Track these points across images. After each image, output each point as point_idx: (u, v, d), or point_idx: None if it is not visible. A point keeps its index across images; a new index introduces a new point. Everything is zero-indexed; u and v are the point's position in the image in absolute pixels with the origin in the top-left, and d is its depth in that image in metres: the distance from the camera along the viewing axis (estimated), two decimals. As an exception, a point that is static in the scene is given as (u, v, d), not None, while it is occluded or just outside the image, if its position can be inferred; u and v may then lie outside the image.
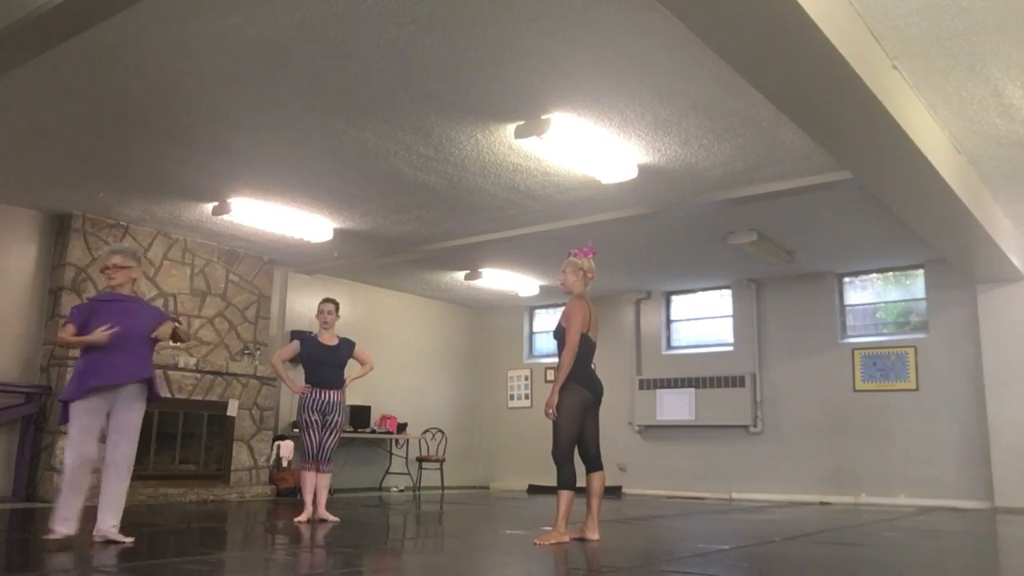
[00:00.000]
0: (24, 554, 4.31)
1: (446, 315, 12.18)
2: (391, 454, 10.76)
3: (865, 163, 5.56)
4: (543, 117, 5.44)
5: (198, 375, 8.43)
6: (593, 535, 4.73)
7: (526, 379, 12.15)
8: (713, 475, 10.22)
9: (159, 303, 8.42)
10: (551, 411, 4.66)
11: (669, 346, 11.19)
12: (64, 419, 4.39)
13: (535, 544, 4.54)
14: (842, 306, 9.96)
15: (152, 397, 4.53)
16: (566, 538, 4.59)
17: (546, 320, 12.24)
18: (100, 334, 4.31)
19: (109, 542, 4.28)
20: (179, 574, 3.43)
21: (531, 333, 12.45)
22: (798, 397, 9.88)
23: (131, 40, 4.51)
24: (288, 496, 8.70)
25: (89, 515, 4.32)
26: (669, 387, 10.64)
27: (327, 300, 6.34)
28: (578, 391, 4.72)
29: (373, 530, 6.00)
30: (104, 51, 4.63)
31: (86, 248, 7.92)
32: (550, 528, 4.73)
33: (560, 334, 4.83)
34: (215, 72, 4.90)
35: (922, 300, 9.47)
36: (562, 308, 5.01)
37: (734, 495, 10.02)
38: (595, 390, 4.83)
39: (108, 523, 4.35)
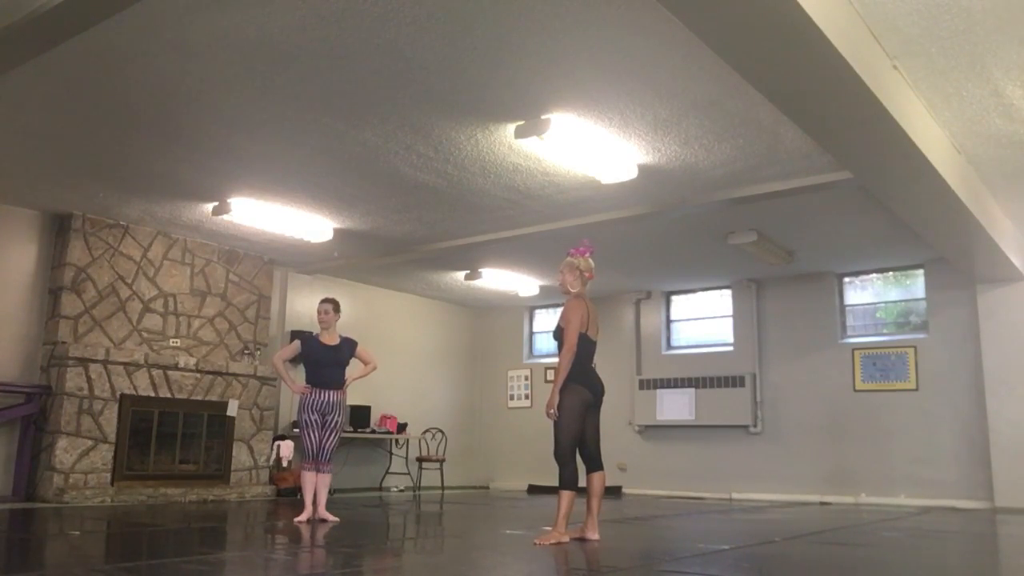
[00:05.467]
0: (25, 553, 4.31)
1: (446, 315, 12.18)
2: (391, 454, 10.76)
3: (865, 163, 5.56)
4: (543, 117, 5.44)
5: (198, 375, 8.43)
6: (593, 535, 4.73)
7: (526, 379, 12.15)
8: (713, 475, 10.22)
9: (159, 303, 8.44)
10: (552, 411, 4.67)
11: (669, 346, 11.19)
12: None
13: (535, 544, 4.54)
14: (842, 306, 9.96)
15: None
16: (566, 538, 4.59)
17: (546, 320, 12.24)
18: None
19: None
20: (179, 574, 3.42)
21: (531, 333, 12.45)
22: (798, 397, 9.88)
23: (131, 40, 4.51)
24: (288, 496, 8.70)
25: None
26: (669, 387, 10.64)
27: (324, 300, 6.34)
28: (578, 391, 4.72)
29: (373, 530, 6.00)
30: (104, 51, 4.63)
31: (86, 248, 7.93)
32: (550, 528, 4.74)
33: (560, 334, 4.83)
34: (215, 72, 4.90)
35: (922, 300, 9.46)
36: (561, 308, 5.00)
37: (734, 495, 10.01)
38: (595, 390, 4.82)
39: None
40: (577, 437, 4.73)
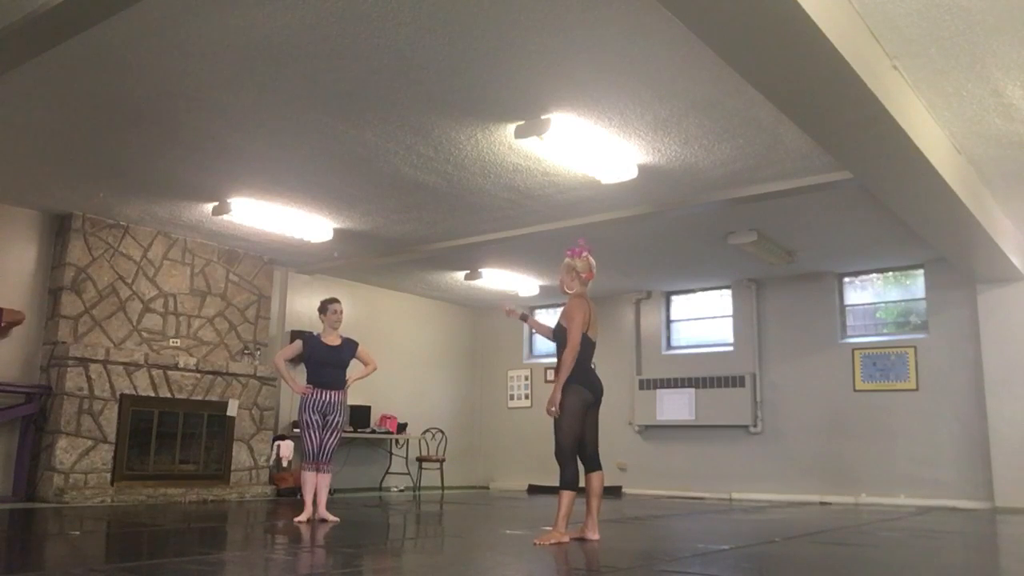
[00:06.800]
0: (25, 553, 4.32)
1: (446, 315, 12.18)
2: (391, 454, 10.76)
3: (865, 163, 5.56)
4: (543, 117, 5.44)
5: (198, 375, 8.43)
6: (593, 535, 4.73)
7: (526, 379, 12.15)
8: (713, 475, 10.22)
9: (159, 303, 8.44)
10: (554, 409, 4.66)
11: (669, 346, 11.19)
12: None
13: (535, 544, 4.53)
14: (842, 306, 9.96)
15: None
16: (566, 538, 4.59)
17: (546, 320, 12.18)
18: None
19: None
20: (179, 574, 3.42)
21: (531, 333, 12.44)
22: (798, 397, 9.88)
23: (131, 40, 4.51)
24: (288, 496, 8.70)
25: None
26: (669, 387, 10.64)
27: (337, 300, 6.33)
28: (578, 391, 4.72)
29: (373, 530, 6.00)
30: (104, 51, 4.63)
31: (86, 248, 7.93)
32: (550, 528, 4.73)
33: (560, 333, 4.82)
34: (215, 72, 4.90)
35: (922, 300, 9.46)
36: (562, 307, 4.99)
37: (734, 495, 10.01)
38: (595, 390, 4.82)
39: None
40: (578, 437, 4.74)
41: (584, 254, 4.99)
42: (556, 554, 4.23)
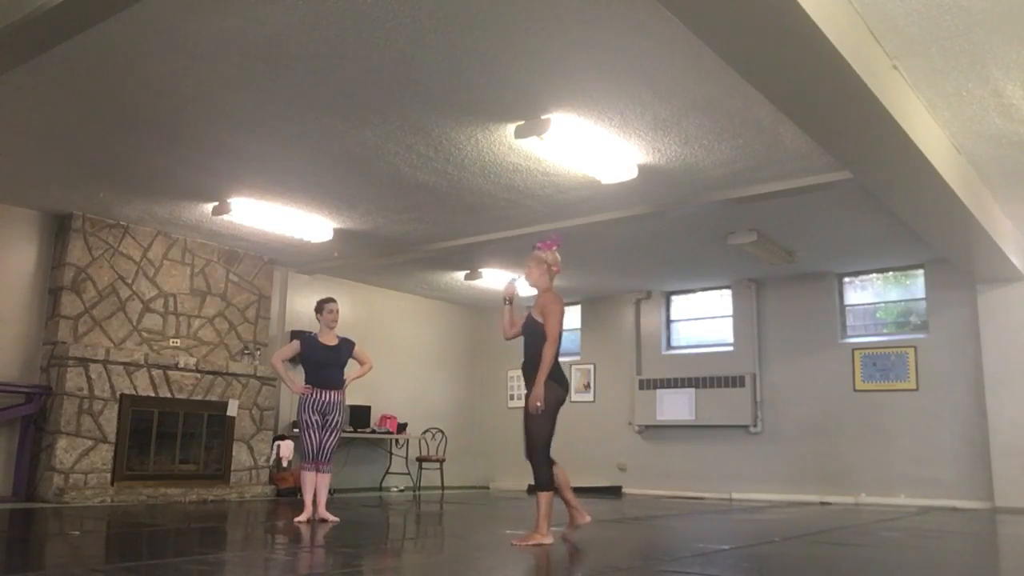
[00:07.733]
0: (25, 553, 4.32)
1: (446, 315, 12.18)
2: (391, 454, 10.76)
3: (865, 163, 5.57)
4: (543, 117, 5.44)
5: (198, 375, 8.43)
6: (583, 519, 4.77)
7: (526, 379, 12.13)
8: (713, 475, 10.22)
9: (159, 303, 8.44)
10: (539, 404, 4.53)
11: (669, 346, 11.19)
12: None
13: (512, 545, 4.46)
14: (842, 306, 9.96)
15: None
16: (548, 539, 4.50)
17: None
18: None
19: None
20: (179, 574, 3.42)
21: (531, 333, 12.42)
22: (798, 397, 9.88)
23: (131, 40, 4.51)
24: (288, 496, 8.70)
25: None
26: (669, 387, 10.64)
27: (333, 299, 6.32)
28: (554, 388, 4.61)
29: (373, 530, 6.00)
30: (104, 51, 4.63)
31: (86, 248, 7.93)
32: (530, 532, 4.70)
33: (535, 328, 4.69)
34: (215, 72, 4.90)
35: (922, 300, 9.46)
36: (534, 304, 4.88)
37: (734, 495, 10.01)
38: (567, 387, 4.75)
39: None
40: (551, 436, 4.63)
41: (554, 248, 4.90)
42: (556, 554, 4.23)
